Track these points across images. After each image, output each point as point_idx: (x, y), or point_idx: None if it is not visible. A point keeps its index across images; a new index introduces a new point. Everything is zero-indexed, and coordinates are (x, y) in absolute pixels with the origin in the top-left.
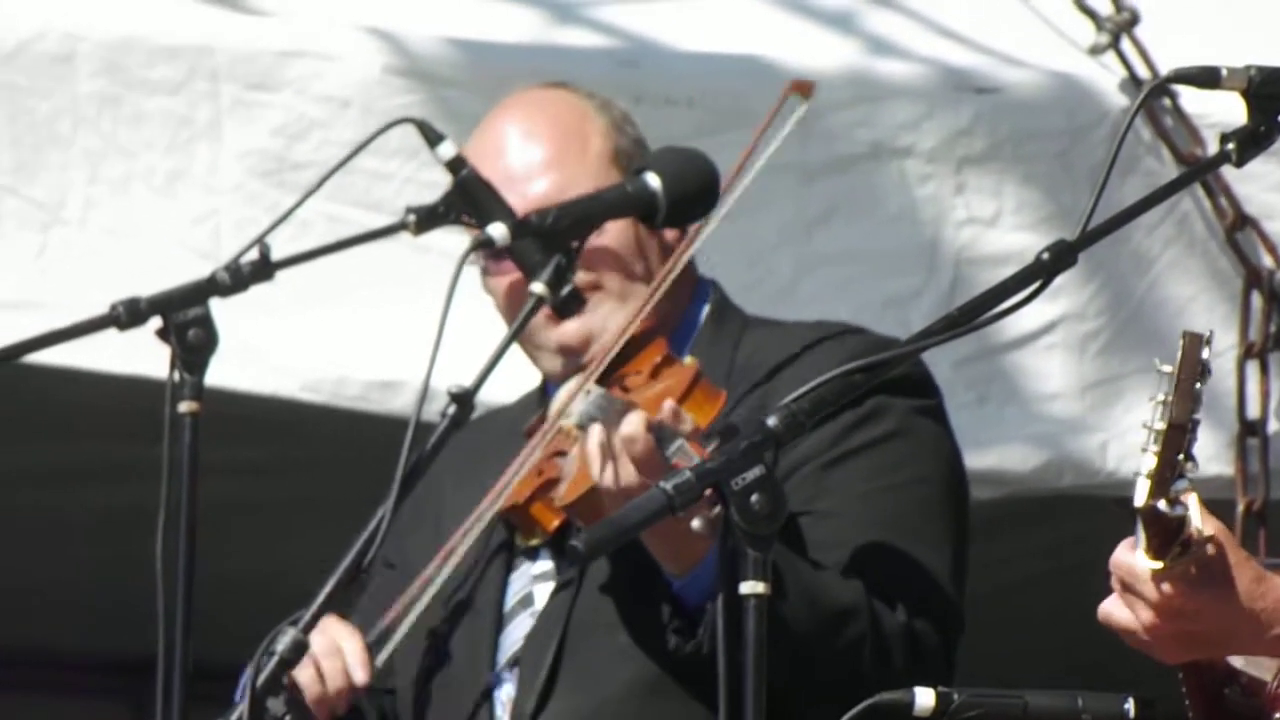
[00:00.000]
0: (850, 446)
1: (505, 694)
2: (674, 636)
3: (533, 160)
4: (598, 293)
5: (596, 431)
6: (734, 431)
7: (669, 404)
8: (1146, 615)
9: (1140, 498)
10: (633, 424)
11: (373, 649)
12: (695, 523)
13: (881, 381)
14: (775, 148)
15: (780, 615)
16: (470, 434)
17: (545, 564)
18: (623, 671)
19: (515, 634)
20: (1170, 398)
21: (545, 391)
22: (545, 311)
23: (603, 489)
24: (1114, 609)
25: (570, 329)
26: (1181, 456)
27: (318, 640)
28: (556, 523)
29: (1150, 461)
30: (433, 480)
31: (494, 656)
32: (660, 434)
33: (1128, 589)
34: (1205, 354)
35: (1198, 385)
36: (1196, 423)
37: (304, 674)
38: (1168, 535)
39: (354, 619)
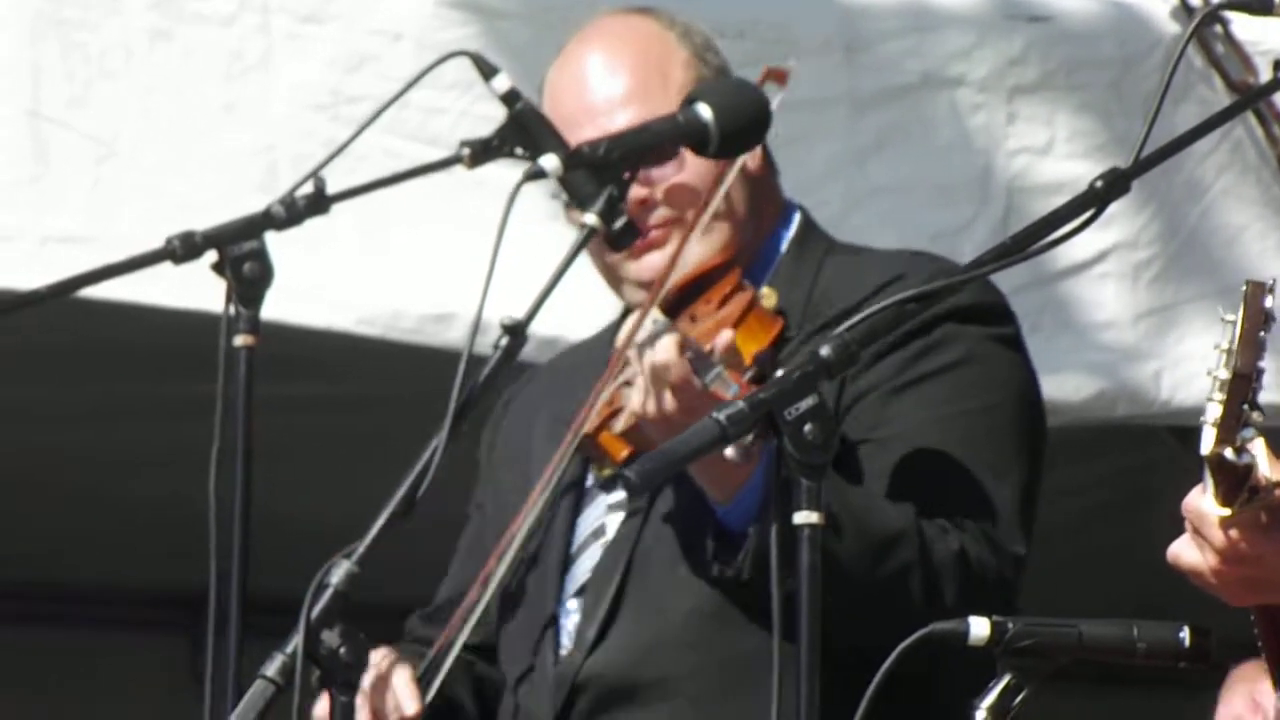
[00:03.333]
0: (916, 374)
1: (571, 623)
2: (716, 563)
3: (614, 93)
4: (679, 226)
5: (636, 360)
6: (772, 365)
7: (724, 333)
8: (1214, 559)
9: (1207, 445)
10: (664, 351)
11: (432, 665)
12: (729, 451)
13: (951, 309)
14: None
15: (826, 542)
16: (556, 367)
17: (619, 494)
18: (685, 601)
19: (585, 565)
20: (1234, 346)
21: (623, 322)
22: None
23: (643, 417)
24: (1183, 550)
25: (650, 262)
26: (1246, 405)
27: (368, 676)
28: (625, 452)
29: (1215, 410)
30: (521, 419)
31: (561, 588)
32: (697, 362)
33: (1197, 532)
34: (1269, 302)
35: (1261, 334)
36: (1261, 371)
37: (360, 716)
38: (1235, 482)
39: (452, 565)
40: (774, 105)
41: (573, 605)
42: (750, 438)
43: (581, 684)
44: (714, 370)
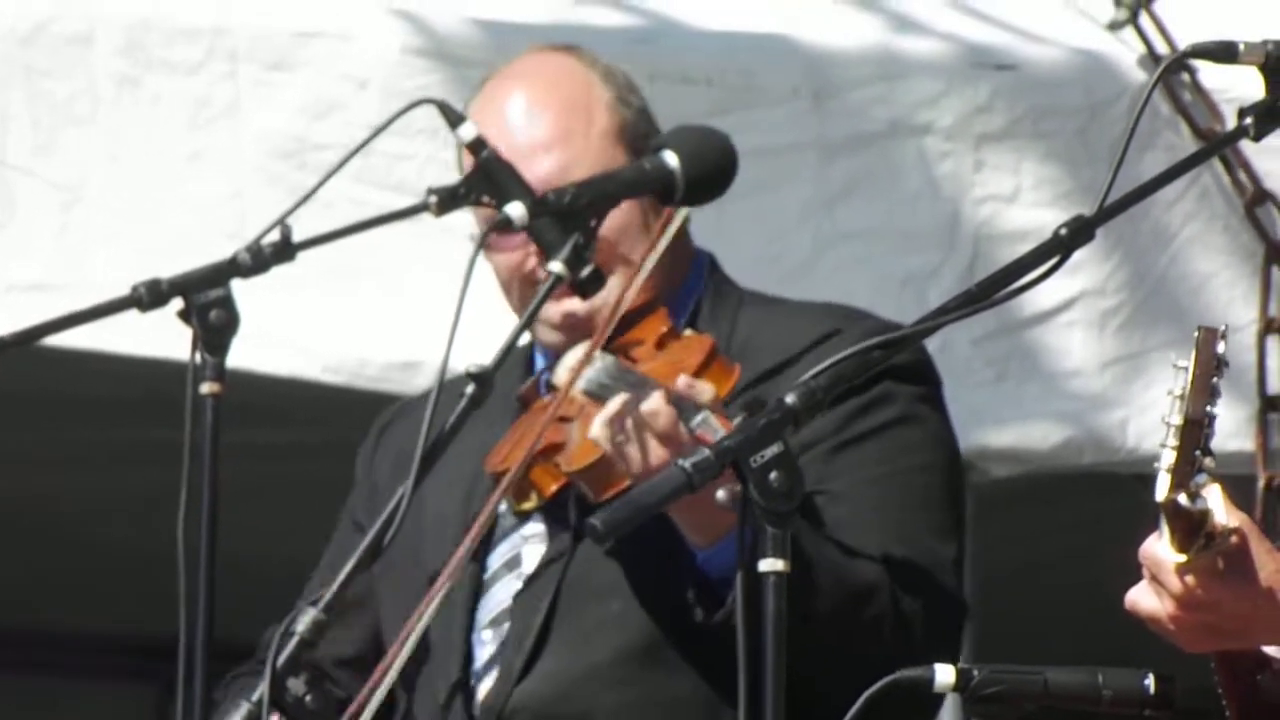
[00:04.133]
0: (858, 431)
1: (487, 654)
2: (698, 609)
3: (536, 137)
4: (602, 266)
5: (615, 403)
6: (759, 403)
7: (684, 377)
8: (1170, 605)
9: (1161, 492)
10: (654, 402)
11: None
12: (720, 494)
13: (888, 367)
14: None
15: (806, 589)
16: (447, 397)
17: (536, 527)
18: (614, 639)
19: (500, 596)
20: (1186, 393)
21: (530, 357)
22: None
23: (631, 472)
24: (1140, 597)
25: (571, 304)
26: (1199, 451)
27: None
28: (555, 487)
29: (1169, 456)
30: (409, 445)
31: (472, 619)
32: (681, 407)
33: (1154, 579)
34: (1220, 348)
35: (1214, 379)
36: (1213, 417)
37: None
38: (1191, 528)
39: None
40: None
41: (488, 635)
42: (738, 485)
43: (509, 714)
44: (700, 415)
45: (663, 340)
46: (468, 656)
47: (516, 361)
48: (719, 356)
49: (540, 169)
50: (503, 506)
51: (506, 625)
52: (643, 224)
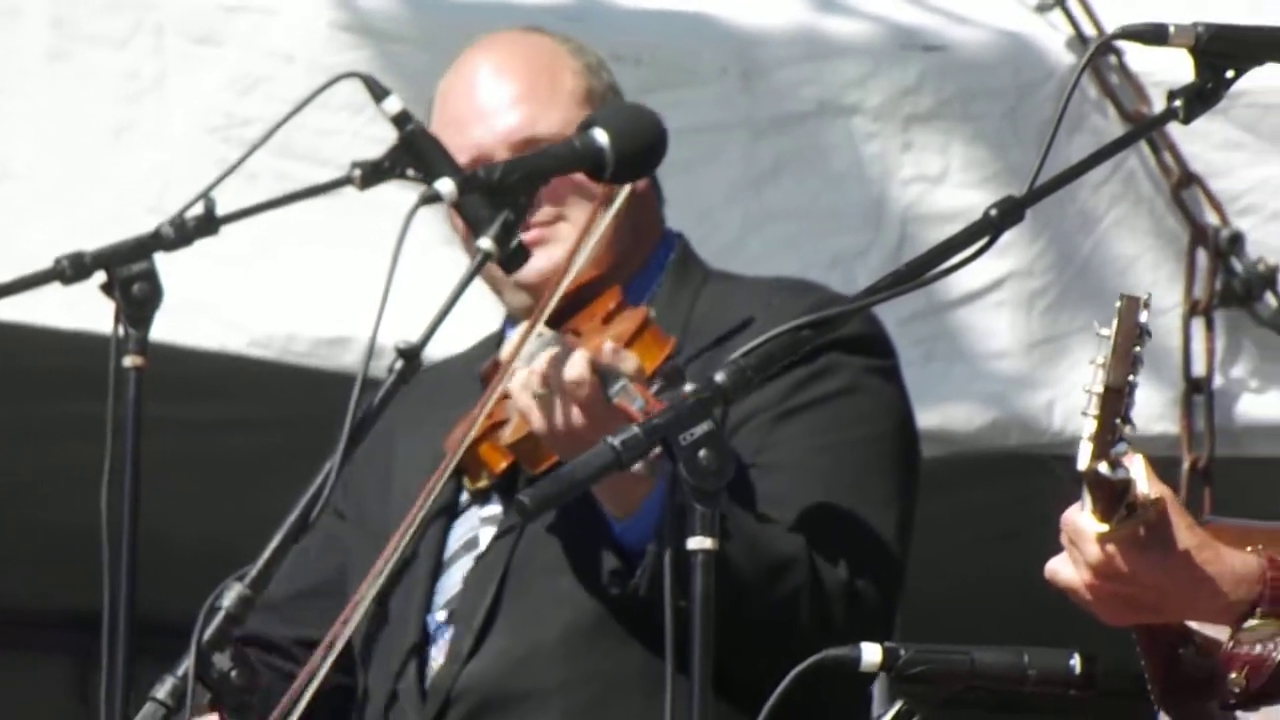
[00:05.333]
0: (801, 401)
1: (442, 636)
2: (611, 578)
3: (504, 95)
4: (563, 225)
5: (532, 373)
6: (679, 373)
7: (609, 344)
8: (1089, 575)
9: (1083, 461)
10: (576, 365)
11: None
12: (636, 464)
13: (836, 339)
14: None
15: (720, 561)
16: (423, 381)
17: (494, 508)
18: (561, 615)
19: (457, 577)
20: (1107, 361)
21: (503, 335)
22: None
23: (544, 431)
24: (1060, 566)
25: (533, 265)
26: (1120, 420)
27: None
28: (504, 464)
29: (1090, 425)
30: (382, 429)
31: (430, 600)
32: (604, 374)
33: (1074, 547)
34: (1143, 317)
35: (1136, 348)
36: (1134, 386)
37: None
38: (1113, 498)
39: (294, 559)
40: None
41: (442, 616)
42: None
43: (456, 695)
44: (620, 383)
45: (610, 315)
46: (424, 638)
47: (490, 341)
48: (651, 327)
49: (506, 124)
50: (464, 495)
51: (459, 606)
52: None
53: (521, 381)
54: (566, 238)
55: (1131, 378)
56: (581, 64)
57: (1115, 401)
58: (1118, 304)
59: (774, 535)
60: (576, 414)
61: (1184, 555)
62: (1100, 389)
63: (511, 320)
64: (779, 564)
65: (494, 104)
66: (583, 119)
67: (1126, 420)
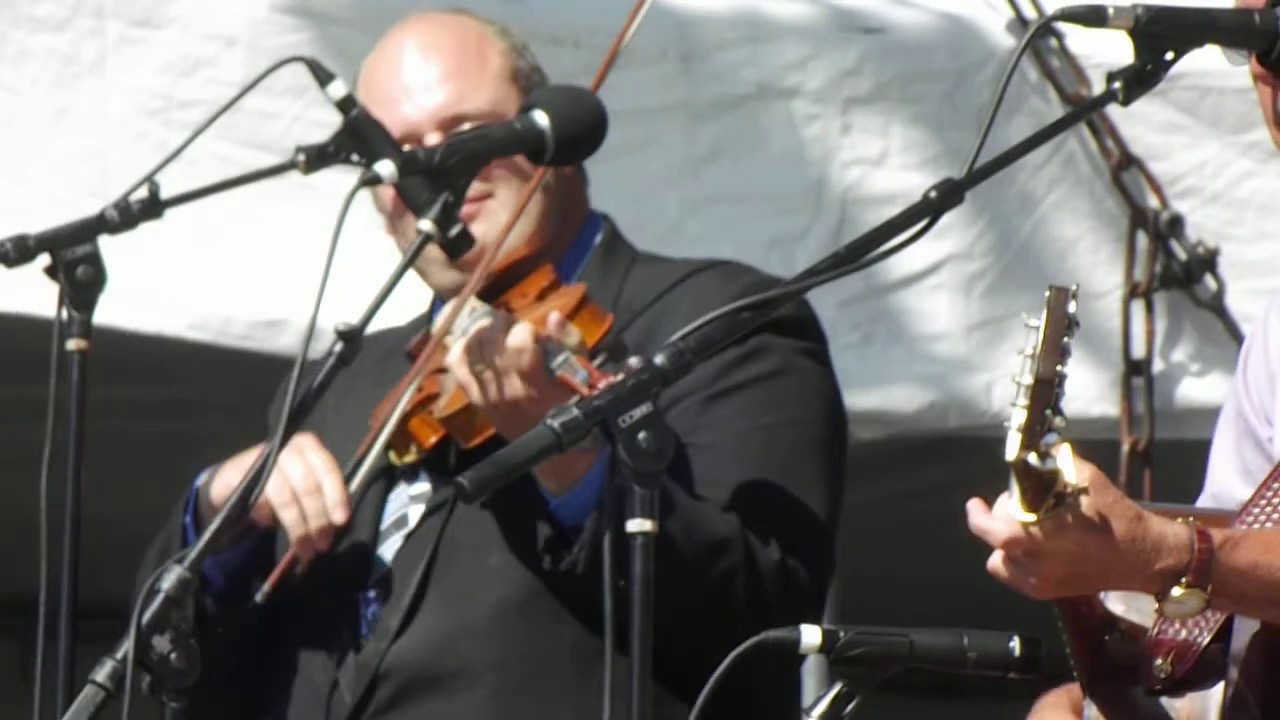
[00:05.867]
0: (733, 382)
1: (371, 612)
2: (548, 554)
3: (430, 73)
4: (491, 201)
5: (472, 344)
6: (621, 347)
7: (554, 315)
8: (1015, 556)
9: (1011, 451)
10: (519, 336)
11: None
12: None
13: (767, 321)
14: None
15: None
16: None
17: (422, 485)
18: (491, 592)
19: (386, 553)
20: (1036, 352)
21: (433, 314)
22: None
23: (485, 403)
24: (998, 564)
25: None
26: (1049, 411)
27: (296, 470)
28: (434, 438)
29: (1020, 415)
30: (318, 408)
31: (365, 577)
32: (546, 346)
33: (1007, 545)
34: (1072, 307)
35: (1065, 339)
36: (1064, 377)
37: (288, 514)
38: (1041, 488)
39: None
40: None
41: (372, 594)
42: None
43: (384, 673)
44: (562, 356)
45: (544, 293)
46: (356, 615)
47: (421, 319)
48: (590, 303)
49: (433, 101)
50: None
51: (389, 584)
52: (526, 163)
53: (460, 353)
54: (496, 213)
55: (1060, 369)
56: (507, 44)
57: (1044, 393)
58: (1046, 294)
59: (709, 515)
60: (519, 385)
61: (1114, 527)
62: (1029, 380)
63: (440, 299)
64: (715, 544)
65: (421, 82)
66: (519, 99)
67: (1056, 411)
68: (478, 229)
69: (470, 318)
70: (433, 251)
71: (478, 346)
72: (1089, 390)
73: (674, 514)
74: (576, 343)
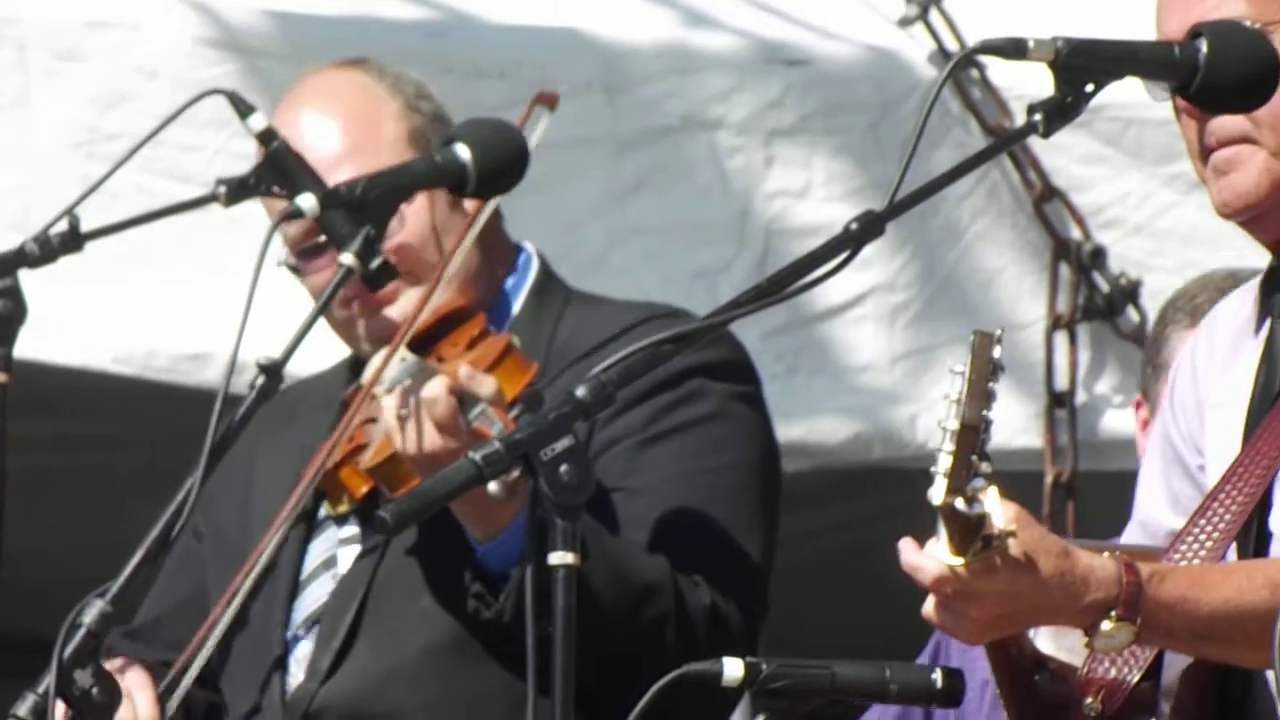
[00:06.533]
0: (667, 426)
1: (301, 652)
2: (474, 602)
3: (329, 152)
4: (406, 279)
5: (396, 395)
6: (538, 398)
7: (463, 369)
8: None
9: (938, 496)
10: (434, 387)
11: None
12: (492, 486)
13: (701, 364)
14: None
15: (585, 588)
16: (278, 404)
17: (352, 529)
18: (421, 635)
19: (315, 594)
20: (962, 398)
21: (358, 362)
22: (358, 301)
23: (405, 453)
24: (931, 611)
25: (385, 317)
26: (975, 456)
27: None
28: (365, 489)
29: (945, 461)
30: (241, 451)
31: (288, 617)
32: (463, 398)
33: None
34: (996, 352)
35: (990, 384)
36: (989, 422)
37: None
38: (969, 532)
39: (155, 585)
40: (540, 130)
41: (301, 633)
42: (514, 474)
43: (314, 713)
44: (479, 407)
45: (474, 342)
46: (283, 655)
47: (344, 366)
48: (513, 353)
49: (334, 180)
50: (322, 511)
51: (320, 625)
52: (442, 225)
53: (389, 404)
54: (411, 292)
55: (986, 414)
56: (400, 104)
57: (970, 438)
58: (970, 339)
59: (638, 562)
60: (434, 435)
61: (1041, 564)
62: (955, 426)
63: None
64: (644, 591)
65: (320, 162)
66: (437, 140)
67: (983, 456)
68: (402, 310)
69: (400, 368)
70: (357, 329)
71: (401, 398)
72: (1012, 422)
73: (603, 562)
74: (491, 394)
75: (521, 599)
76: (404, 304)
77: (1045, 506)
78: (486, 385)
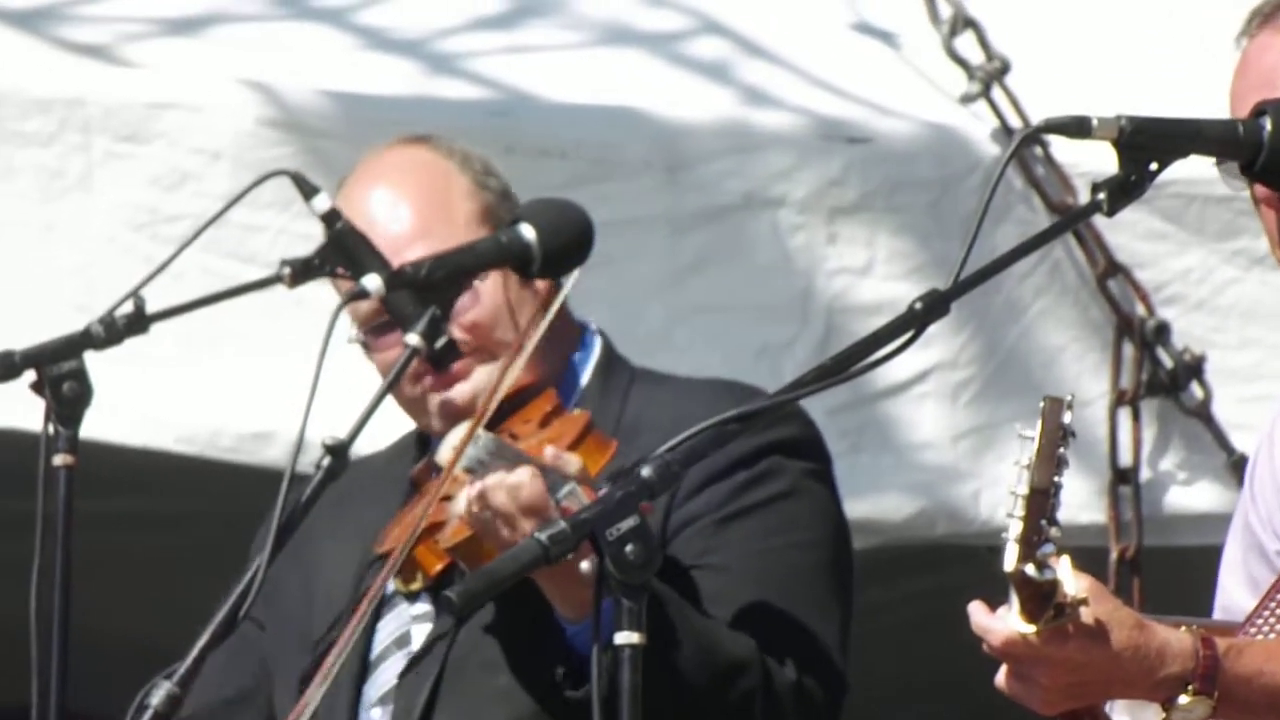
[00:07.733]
0: (745, 504)
1: None
2: (564, 683)
3: (401, 231)
4: (479, 356)
5: (479, 474)
6: (629, 475)
7: (550, 449)
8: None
9: (1010, 563)
10: (522, 471)
11: None
12: (584, 565)
13: (776, 442)
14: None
15: (674, 665)
16: (340, 483)
17: (424, 606)
18: (500, 713)
19: (388, 673)
20: (1032, 463)
21: (424, 439)
22: (427, 376)
23: (495, 539)
24: (1003, 680)
25: (457, 392)
26: (1045, 521)
27: None
28: (440, 566)
29: (1016, 526)
30: (304, 533)
31: (358, 697)
32: (549, 479)
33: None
34: (1067, 418)
35: (1060, 450)
36: (1059, 487)
37: None
38: (1040, 599)
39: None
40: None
41: (375, 714)
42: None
43: None
44: (567, 487)
45: (547, 418)
46: None
47: (410, 444)
48: (594, 431)
49: (407, 260)
50: (391, 587)
51: (393, 704)
52: (515, 302)
53: (469, 497)
54: (484, 366)
55: (1056, 479)
56: (470, 180)
57: (1040, 503)
58: (1041, 405)
59: (726, 637)
60: (522, 520)
61: (1115, 635)
62: (1025, 490)
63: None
64: (732, 667)
65: (392, 241)
66: (505, 219)
67: (1052, 522)
68: (475, 384)
69: (476, 446)
70: (426, 404)
71: (484, 489)
72: (1076, 497)
73: (692, 636)
74: (577, 471)
75: (614, 680)
76: (476, 381)
77: (1111, 583)
78: (573, 464)
